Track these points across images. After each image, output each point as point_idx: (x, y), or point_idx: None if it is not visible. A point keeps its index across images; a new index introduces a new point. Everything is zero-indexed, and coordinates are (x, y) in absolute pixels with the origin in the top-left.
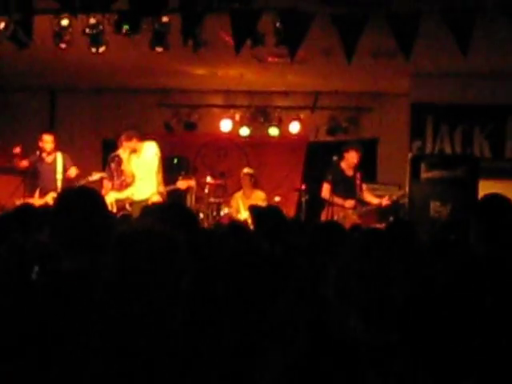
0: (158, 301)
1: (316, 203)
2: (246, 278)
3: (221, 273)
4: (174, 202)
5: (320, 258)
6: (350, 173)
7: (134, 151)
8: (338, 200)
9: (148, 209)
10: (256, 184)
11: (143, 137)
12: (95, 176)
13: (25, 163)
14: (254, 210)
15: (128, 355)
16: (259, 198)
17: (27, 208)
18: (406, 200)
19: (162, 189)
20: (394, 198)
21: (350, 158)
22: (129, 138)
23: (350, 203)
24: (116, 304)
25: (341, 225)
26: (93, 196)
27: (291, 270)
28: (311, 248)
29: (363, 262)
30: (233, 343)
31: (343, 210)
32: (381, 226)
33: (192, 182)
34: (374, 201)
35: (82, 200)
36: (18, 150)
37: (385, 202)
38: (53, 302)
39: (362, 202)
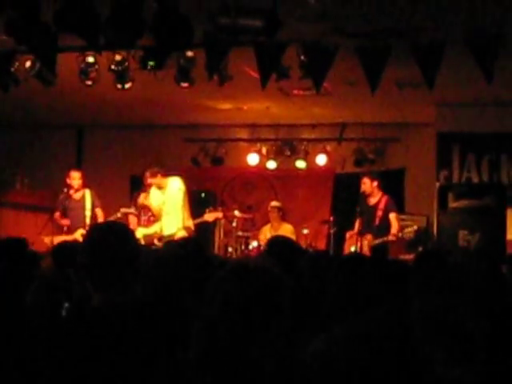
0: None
1: (344, 235)
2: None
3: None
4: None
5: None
6: (371, 202)
7: (159, 187)
8: (357, 238)
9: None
10: (284, 217)
11: (168, 172)
12: (124, 211)
13: (66, 222)
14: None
15: None
16: (287, 230)
17: (63, 246)
18: (411, 235)
19: (190, 223)
20: (400, 235)
21: (363, 186)
22: (153, 175)
23: (366, 239)
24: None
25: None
26: (122, 230)
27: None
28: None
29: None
30: None
31: (360, 241)
32: (409, 257)
33: (219, 214)
34: (393, 231)
35: (110, 235)
36: (66, 223)
37: (391, 237)
38: (83, 338)
39: (379, 233)
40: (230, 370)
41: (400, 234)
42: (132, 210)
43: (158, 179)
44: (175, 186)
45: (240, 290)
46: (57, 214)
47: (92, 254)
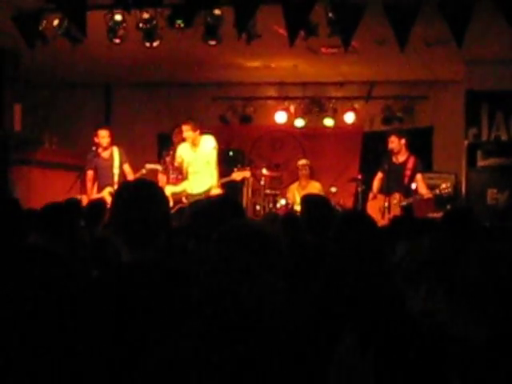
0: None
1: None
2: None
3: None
4: (225, 197)
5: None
6: (398, 160)
7: (193, 143)
8: (383, 197)
9: (198, 204)
10: (312, 175)
11: (202, 130)
12: (149, 167)
13: (94, 186)
14: (305, 198)
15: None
16: (315, 188)
17: (93, 205)
18: (449, 191)
19: (219, 181)
20: (437, 191)
21: (390, 144)
22: (194, 129)
23: (395, 198)
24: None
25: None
26: (151, 188)
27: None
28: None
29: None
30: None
31: (388, 201)
32: (437, 215)
33: (247, 173)
34: (422, 192)
35: (140, 193)
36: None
37: (427, 195)
38: (114, 295)
39: (408, 193)
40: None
41: (437, 191)
42: (157, 166)
43: (196, 134)
44: (210, 145)
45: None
46: (89, 174)
47: (123, 213)
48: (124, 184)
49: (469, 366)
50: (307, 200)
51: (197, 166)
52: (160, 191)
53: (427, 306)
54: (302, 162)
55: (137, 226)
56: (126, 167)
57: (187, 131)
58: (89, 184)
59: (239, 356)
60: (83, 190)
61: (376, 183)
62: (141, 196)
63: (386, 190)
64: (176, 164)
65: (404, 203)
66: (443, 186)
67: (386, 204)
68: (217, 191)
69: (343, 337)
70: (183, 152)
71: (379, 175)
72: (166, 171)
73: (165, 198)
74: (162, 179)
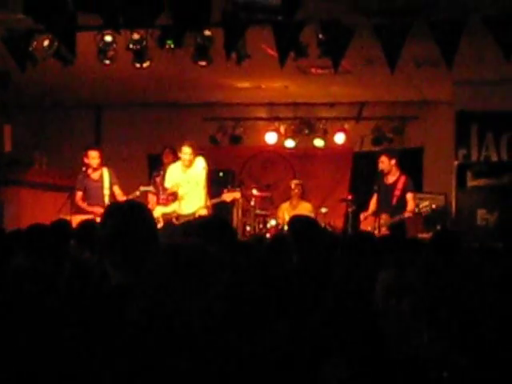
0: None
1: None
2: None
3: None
4: (214, 216)
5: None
6: (389, 181)
7: (188, 165)
8: (375, 219)
9: (188, 224)
10: (303, 195)
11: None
12: (143, 189)
13: (85, 206)
14: (293, 220)
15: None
16: (306, 209)
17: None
18: (427, 209)
19: (208, 202)
20: (416, 210)
21: (381, 164)
22: (195, 151)
23: (382, 219)
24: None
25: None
26: (139, 209)
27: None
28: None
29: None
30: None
31: (378, 221)
32: (427, 235)
33: (237, 194)
34: (408, 210)
35: (131, 214)
36: (86, 207)
37: (407, 214)
38: (102, 316)
39: (395, 213)
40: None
41: (416, 209)
42: (151, 188)
43: (193, 157)
44: (200, 166)
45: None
46: (79, 195)
47: (112, 234)
48: (113, 204)
49: None
50: (294, 221)
51: (187, 187)
52: (148, 213)
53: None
54: (295, 181)
55: (124, 249)
56: (116, 189)
57: (188, 154)
58: (80, 203)
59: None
60: (74, 211)
61: (372, 204)
62: (128, 219)
63: (377, 212)
64: (167, 188)
65: (392, 221)
66: (422, 204)
67: (376, 225)
68: (203, 212)
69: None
70: (174, 173)
71: (375, 196)
72: (156, 192)
73: (153, 220)
74: (152, 200)
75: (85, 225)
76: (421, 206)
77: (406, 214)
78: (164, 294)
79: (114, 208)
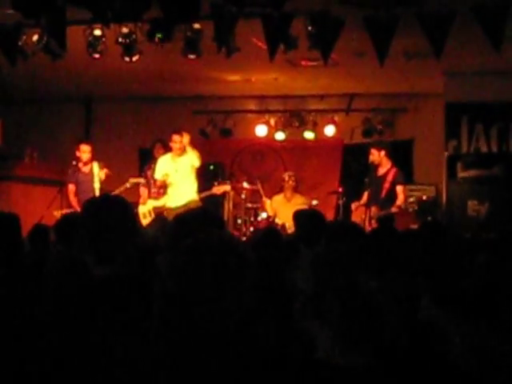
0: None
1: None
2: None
3: None
4: (202, 208)
5: None
6: (380, 172)
7: (180, 154)
8: (365, 211)
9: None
10: (295, 188)
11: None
12: (134, 181)
13: (75, 202)
14: (298, 214)
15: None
16: (299, 201)
17: (66, 219)
18: (414, 206)
19: (198, 195)
20: (402, 206)
21: (371, 157)
22: (188, 141)
23: (372, 211)
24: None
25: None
26: (118, 203)
27: None
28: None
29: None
30: None
31: (368, 214)
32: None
33: (227, 187)
34: (397, 203)
35: (106, 208)
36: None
37: (394, 209)
38: (86, 308)
39: (384, 205)
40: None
41: (403, 206)
42: (141, 180)
43: (183, 145)
44: (192, 158)
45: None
46: (71, 188)
47: (89, 228)
48: (90, 200)
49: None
50: (300, 215)
51: (177, 178)
52: (127, 206)
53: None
54: (289, 174)
55: (103, 242)
56: (102, 173)
57: (178, 142)
58: (71, 197)
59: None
60: (65, 205)
61: (365, 196)
62: (106, 213)
63: (367, 204)
64: (157, 179)
65: (379, 214)
66: (410, 200)
67: (367, 216)
68: (195, 204)
69: None
70: (163, 164)
71: (367, 189)
72: (147, 185)
73: (131, 212)
74: (144, 193)
75: (65, 219)
76: (408, 202)
77: (393, 209)
78: (195, 291)
79: (92, 203)
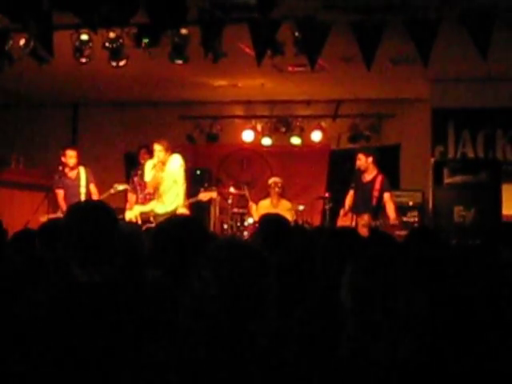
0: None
1: (339, 210)
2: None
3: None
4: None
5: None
6: (366, 178)
7: (162, 163)
8: (353, 216)
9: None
10: (281, 193)
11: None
12: (118, 187)
13: (63, 207)
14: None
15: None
16: (286, 207)
17: (50, 224)
18: (415, 220)
19: (185, 202)
20: (403, 220)
21: (358, 162)
22: (167, 149)
23: (363, 219)
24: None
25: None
26: (100, 209)
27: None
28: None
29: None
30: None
31: (356, 221)
32: (404, 233)
33: (214, 194)
34: (390, 216)
35: (87, 213)
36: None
37: (392, 221)
38: (69, 314)
39: (377, 214)
40: (222, 346)
41: (404, 219)
42: (125, 186)
43: (167, 155)
44: (177, 163)
45: (231, 267)
46: (60, 194)
47: (70, 234)
48: (72, 206)
49: None
50: (264, 221)
51: (164, 185)
52: (108, 211)
53: None
54: (275, 179)
55: (87, 248)
56: (92, 187)
57: (159, 151)
58: (61, 203)
59: None
60: (51, 210)
61: (348, 200)
62: (89, 218)
63: (355, 209)
64: (149, 182)
65: (372, 225)
66: (411, 214)
67: (354, 224)
68: (183, 211)
69: None
70: (153, 168)
71: (351, 192)
72: (134, 191)
73: (114, 220)
74: (131, 199)
75: (49, 224)
76: (408, 215)
77: (392, 222)
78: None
79: (75, 208)
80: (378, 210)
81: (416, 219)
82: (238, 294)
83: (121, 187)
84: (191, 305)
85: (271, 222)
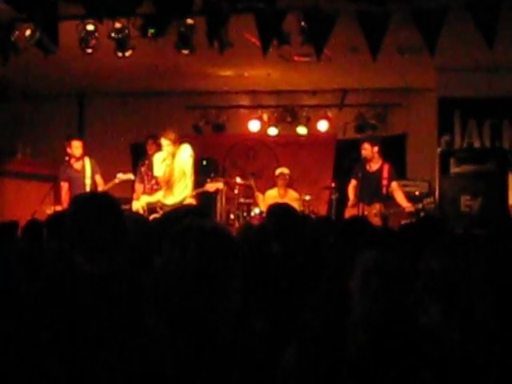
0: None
1: (346, 201)
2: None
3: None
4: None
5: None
6: (372, 168)
7: (172, 154)
8: (362, 206)
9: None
10: (288, 183)
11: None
12: (122, 177)
13: (65, 199)
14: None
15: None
16: (293, 197)
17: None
18: (432, 206)
19: (193, 192)
20: (420, 206)
21: (364, 151)
22: (175, 141)
23: (375, 208)
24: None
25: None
26: (104, 199)
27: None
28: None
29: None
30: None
31: (367, 210)
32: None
33: (220, 185)
34: (403, 203)
35: (92, 204)
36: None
37: (408, 208)
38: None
39: (387, 202)
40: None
41: (420, 206)
42: (129, 175)
43: (176, 147)
44: (186, 153)
45: (197, 246)
46: (65, 187)
47: (77, 225)
48: (75, 197)
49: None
50: (273, 210)
51: (174, 176)
52: (113, 202)
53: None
54: (282, 170)
55: (93, 239)
56: (98, 178)
57: (167, 146)
58: (64, 196)
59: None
60: (57, 201)
61: (351, 191)
62: (92, 206)
63: (363, 199)
64: (158, 176)
65: (385, 213)
66: (427, 200)
67: (366, 213)
68: (190, 201)
69: None
70: (162, 161)
71: (353, 183)
72: (141, 181)
73: (117, 209)
74: (138, 189)
75: (57, 214)
76: (426, 201)
77: (408, 209)
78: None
79: (80, 199)
80: (388, 199)
81: (432, 206)
82: (203, 273)
83: (124, 177)
84: (155, 286)
85: (281, 211)
